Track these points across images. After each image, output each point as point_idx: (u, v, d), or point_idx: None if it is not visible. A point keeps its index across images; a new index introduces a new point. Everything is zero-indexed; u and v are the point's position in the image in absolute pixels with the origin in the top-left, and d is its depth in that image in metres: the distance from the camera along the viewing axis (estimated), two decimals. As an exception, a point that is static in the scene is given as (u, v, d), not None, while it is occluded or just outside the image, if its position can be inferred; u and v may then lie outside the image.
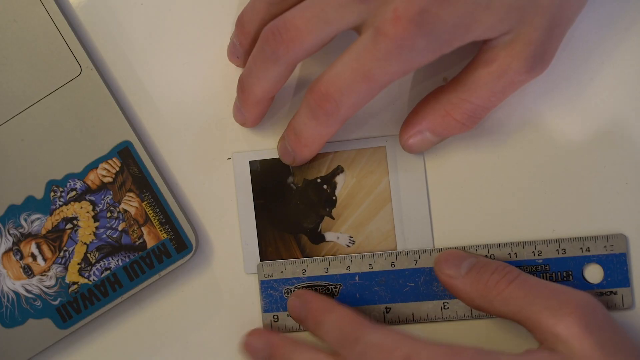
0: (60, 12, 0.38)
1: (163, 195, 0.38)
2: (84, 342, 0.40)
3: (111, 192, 0.38)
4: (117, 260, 0.38)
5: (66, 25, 0.38)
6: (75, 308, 0.38)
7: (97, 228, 0.38)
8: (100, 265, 0.38)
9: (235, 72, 0.39)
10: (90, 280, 0.38)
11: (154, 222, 0.38)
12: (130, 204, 0.38)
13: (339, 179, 0.38)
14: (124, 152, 0.38)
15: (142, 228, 0.38)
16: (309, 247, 0.39)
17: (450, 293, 0.36)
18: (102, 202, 0.38)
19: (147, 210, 0.38)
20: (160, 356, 0.40)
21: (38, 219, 0.38)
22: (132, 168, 0.38)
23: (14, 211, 0.38)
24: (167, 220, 0.38)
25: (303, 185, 0.39)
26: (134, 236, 0.38)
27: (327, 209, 0.39)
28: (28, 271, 0.38)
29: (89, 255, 0.38)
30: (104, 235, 0.38)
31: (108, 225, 0.38)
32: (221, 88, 0.39)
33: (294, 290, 0.38)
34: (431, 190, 0.38)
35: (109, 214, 0.38)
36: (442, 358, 0.31)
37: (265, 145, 0.39)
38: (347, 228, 0.38)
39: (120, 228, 0.38)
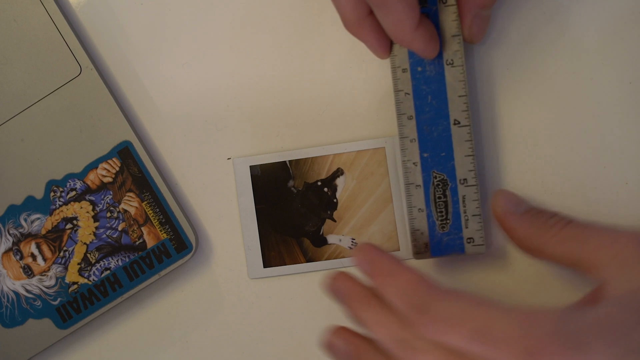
0: (60, 12, 0.38)
1: (163, 195, 0.38)
2: (84, 342, 0.40)
3: (111, 192, 0.38)
4: (117, 260, 0.38)
5: (66, 25, 0.38)
6: (75, 308, 0.38)
7: (97, 228, 0.38)
8: (100, 265, 0.38)
9: (234, 72, 0.39)
10: (90, 280, 0.38)
11: (153, 222, 0.38)
12: (130, 204, 0.38)
13: (339, 181, 0.38)
14: (124, 152, 0.38)
15: (142, 228, 0.38)
16: (312, 250, 0.39)
17: (503, 229, 0.35)
18: (102, 202, 0.38)
19: (147, 210, 0.38)
20: (160, 356, 0.40)
21: (38, 219, 0.38)
22: (132, 168, 0.38)
23: (14, 211, 0.38)
24: (167, 220, 0.38)
25: (304, 189, 0.39)
26: (134, 236, 0.38)
27: (329, 212, 0.39)
28: (28, 271, 0.38)
29: (89, 255, 0.38)
30: (104, 235, 0.38)
31: (108, 225, 0.38)
32: (221, 88, 0.39)
33: None
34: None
35: (109, 214, 0.38)
36: (516, 331, 0.28)
37: (265, 149, 0.39)
38: (349, 230, 0.38)
39: (120, 228, 0.38)
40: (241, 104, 0.39)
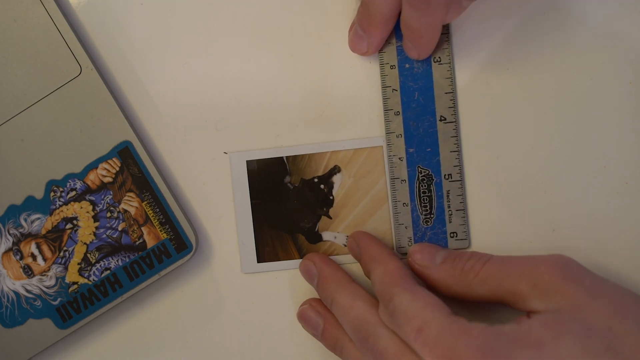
0: (60, 12, 0.38)
1: (163, 195, 0.38)
2: (84, 342, 0.40)
3: (111, 192, 0.38)
4: (117, 260, 0.38)
5: (66, 25, 0.38)
6: (75, 308, 0.38)
7: (97, 228, 0.38)
8: (100, 265, 0.38)
9: (234, 72, 0.39)
10: (90, 280, 0.38)
11: (154, 222, 0.38)
12: (130, 204, 0.38)
13: (336, 178, 0.39)
14: (124, 152, 0.38)
15: (142, 228, 0.38)
16: (306, 246, 0.39)
17: (425, 282, 0.36)
18: (102, 202, 0.38)
19: (147, 210, 0.38)
20: (160, 356, 0.40)
21: (38, 219, 0.38)
22: (132, 168, 0.38)
23: (14, 211, 0.38)
24: (167, 220, 0.38)
25: (300, 185, 0.39)
26: (134, 236, 0.38)
27: (324, 209, 0.39)
28: (28, 271, 0.38)
29: (89, 255, 0.38)
30: (104, 235, 0.38)
31: (108, 225, 0.38)
32: (221, 88, 0.39)
33: None
34: (431, 190, 0.38)
35: (109, 214, 0.38)
36: (449, 335, 0.31)
37: (262, 145, 0.39)
38: (344, 228, 0.39)
39: (120, 228, 0.38)
40: (241, 104, 0.39)
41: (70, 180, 0.38)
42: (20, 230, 0.38)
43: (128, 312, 0.40)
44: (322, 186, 0.39)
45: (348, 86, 0.39)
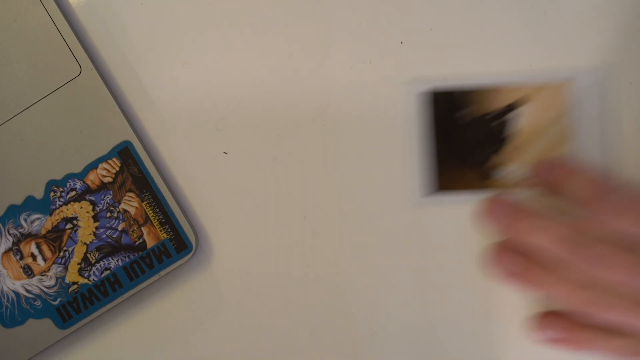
0: (60, 12, 0.38)
1: (163, 195, 0.38)
2: (84, 342, 0.40)
3: (111, 192, 0.38)
4: (117, 260, 0.38)
5: (66, 25, 0.38)
6: (75, 308, 0.38)
7: (97, 228, 0.38)
8: (100, 265, 0.38)
9: (234, 72, 0.39)
10: (90, 280, 0.38)
11: (154, 222, 0.38)
12: (130, 204, 0.38)
13: (513, 115, 0.37)
14: (124, 152, 0.38)
15: (142, 228, 0.38)
16: (479, 182, 0.38)
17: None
18: (102, 202, 0.38)
19: (147, 210, 0.38)
20: (161, 356, 0.40)
21: (38, 219, 0.38)
22: (132, 168, 0.38)
23: (14, 211, 0.38)
24: (167, 220, 0.38)
25: (474, 120, 0.37)
26: (134, 236, 0.38)
27: (498, 145, 0.38)
28: (28, 271, 0.38)
29: (89, 255, 0.38)
30: (104, 235, 0.38)
31: (108, 225, 0.38)
32: (221, 88, 0.39)
33: None
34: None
35: (109, 214, 0.38)
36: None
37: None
38: (519, 166, 0.37)
39: (120, 228, 0.38)
40: (241, 103, 0.39)
41: (70, 180, 0.38)
42: (20, 230, 0.38)
43: (128, 312, 0.40)
44: (497, 122, 0.37)
45: (349, 87, 0.39)
